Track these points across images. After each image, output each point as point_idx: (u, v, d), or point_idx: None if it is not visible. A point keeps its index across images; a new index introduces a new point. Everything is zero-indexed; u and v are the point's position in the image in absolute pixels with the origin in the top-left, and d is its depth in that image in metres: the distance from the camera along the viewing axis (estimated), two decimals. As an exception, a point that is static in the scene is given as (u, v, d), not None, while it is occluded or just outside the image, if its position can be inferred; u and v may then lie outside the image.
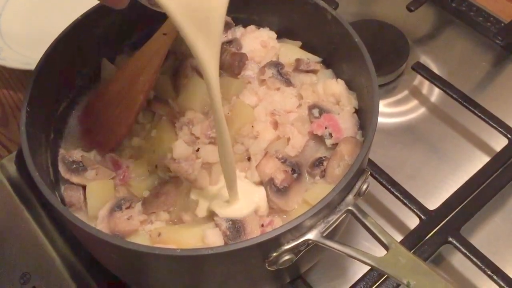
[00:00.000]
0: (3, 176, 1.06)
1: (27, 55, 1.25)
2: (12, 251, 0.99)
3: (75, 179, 0.82)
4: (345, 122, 0.87)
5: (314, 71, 0.94)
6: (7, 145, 1.21)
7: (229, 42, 0.97)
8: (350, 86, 0.91)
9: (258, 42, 0.98)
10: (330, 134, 0.86)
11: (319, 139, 0.88)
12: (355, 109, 0.89)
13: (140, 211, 0.80)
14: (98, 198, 0.81)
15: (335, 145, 0.86)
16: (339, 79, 0.91)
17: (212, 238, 0.75)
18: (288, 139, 0.86)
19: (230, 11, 1.00)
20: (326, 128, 0.86)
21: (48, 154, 0.85)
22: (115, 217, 0.78)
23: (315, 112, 0.88)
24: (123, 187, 0.83)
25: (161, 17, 0.91)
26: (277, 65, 0.93)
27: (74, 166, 0.83)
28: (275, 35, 0.99)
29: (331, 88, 0.90)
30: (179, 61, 0.95)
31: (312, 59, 0.95)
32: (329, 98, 0.90)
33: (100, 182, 0.82)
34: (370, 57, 0.81)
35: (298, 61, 0.94)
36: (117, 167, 0.84)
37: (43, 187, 0.71)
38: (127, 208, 0.79)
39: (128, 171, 0.84)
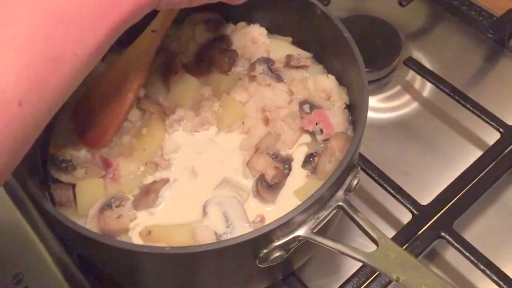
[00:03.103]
0: (-6, 176, 1.06)
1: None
2: (4, 251, 0.98)
3: (64, 178, 0.81)
4: (336, 117, 0.86)
5: (304, 67, 0.94)
6: (-1, 145, 1.21)
7: (219, 39, 0.97)
8: (341, 81, 0.91)
9: (248, 38, 0.97)
10: (321, 130, 0.86)
11: (310, 135, 0.88)
12: (346, 104, 0.89)
13: (130, 209, 0.79)
14: (87, 197, 0.80)
15: (326, 140, 0.86)
16: (329, 75, 0.91)
17: (202, 236, 0.74)
18: (279, 135, 0.86)
19: (220, 8, 1.00)
20: (317, 124, 0.86)
21: (37, 153, 0.84)
22: (105, 215, 0.77)
23: (306, 107, 0.88)
24: (113, 185, 0.82)
25: (150, 14, 0.91)
26: (267, 61, 0.92)
27: (64, 165, 0.82)
28: (265, 32, 0.98)
29: (322, 84, 0.89)
30: (169, 58, 0.95)
31: (302, 55, 0.95)
32: (320, 93, 0.90)
33: (90, 180, 0.81)
34: (359, 51, 0.81)
35: (288, 57, 0.93)
36: (107, 165, 0.83)
37: (32, 186, 0.71)
38: (117, 206, 0.78)
39: (118, 169, 0.83)
